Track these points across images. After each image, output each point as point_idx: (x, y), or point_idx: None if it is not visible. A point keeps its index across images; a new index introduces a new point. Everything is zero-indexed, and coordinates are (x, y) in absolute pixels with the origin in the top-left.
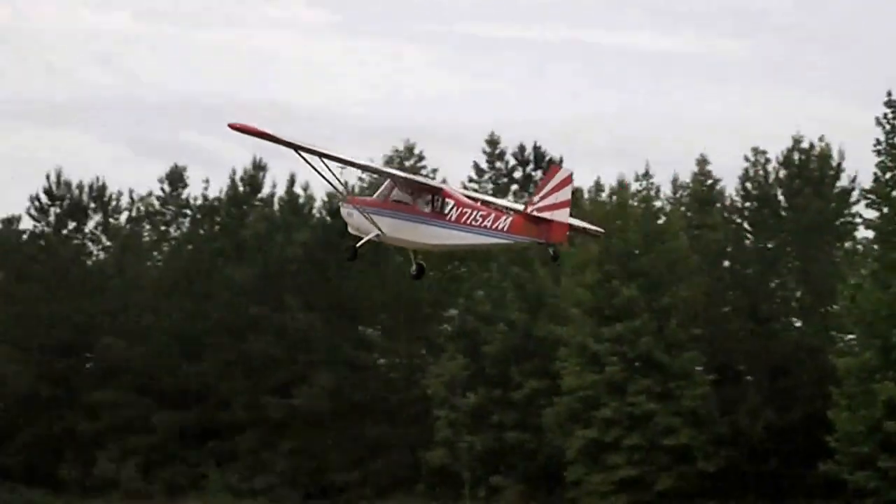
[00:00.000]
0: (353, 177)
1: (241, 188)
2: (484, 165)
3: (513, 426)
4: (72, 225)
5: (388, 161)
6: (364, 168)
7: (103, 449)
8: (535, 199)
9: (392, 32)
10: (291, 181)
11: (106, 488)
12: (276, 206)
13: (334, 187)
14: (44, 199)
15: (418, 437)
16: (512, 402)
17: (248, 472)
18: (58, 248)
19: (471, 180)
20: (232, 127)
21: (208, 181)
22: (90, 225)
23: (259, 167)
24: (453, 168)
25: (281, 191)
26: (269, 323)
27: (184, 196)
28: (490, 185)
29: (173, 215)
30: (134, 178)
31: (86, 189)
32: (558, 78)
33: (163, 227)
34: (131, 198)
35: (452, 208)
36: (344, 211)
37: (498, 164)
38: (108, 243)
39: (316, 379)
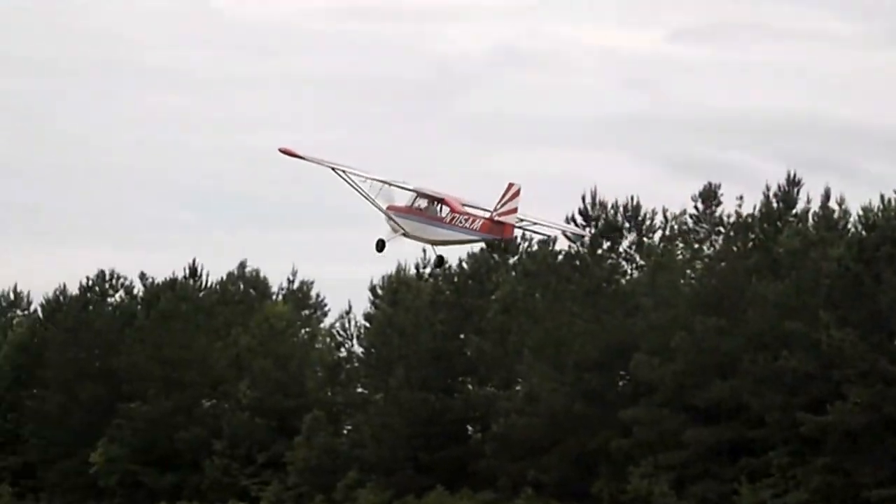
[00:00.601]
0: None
1: (774, 204)
2: None
3: None
4: (606, 244)
5: None
6: (385, 182)
7: (636, 465)
8: (497, 207)
9: None
10: (826, 196)
11: None
12: (810, 222)
13: (366, 199)
14: (579, 219)
15: None
16: None
17: (780, 488)
18: (592, 268)
19: None
20: (281, 151)
21: (742, 198)
22: (624, 244)
23: (793, 182)
24: None
25: (815, 206)
26: (802, 339)
27: (717, 213)
28: None
29: (707, 233)
30: (668, 196)
31: (620, 209)
32: None
33: (696, 245)
34: (665, 216)
35: (449, 213)
36: (384, 216)
37: None
38: (642, 262)
39: (850, 394)
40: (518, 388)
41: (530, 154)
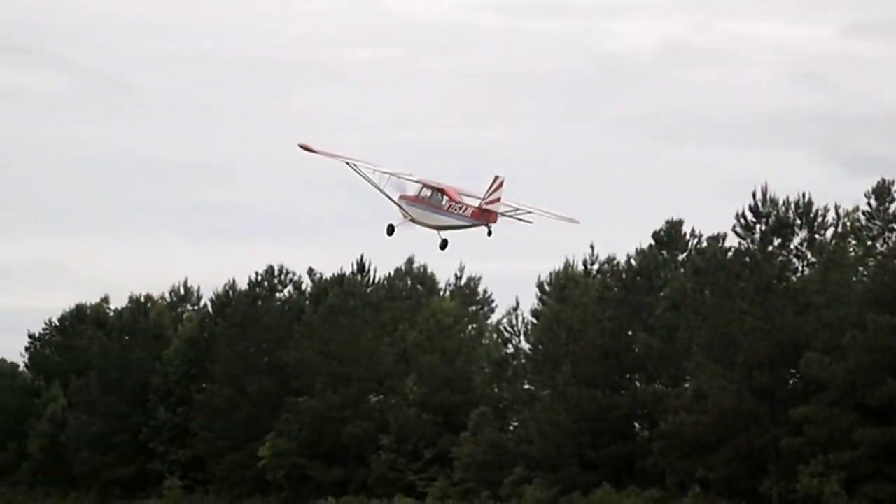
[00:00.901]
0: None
1: None
2: None
3: None
4: (777, 241)
5: None
6: (392, 174)
7: (806, 464)
8: (485, 196)
9: None
10: None
11: None
12: None
13: (377, 188)
14: (749, 216)
15: None
16: None
17: None
18: (762, 265)
19: None
20: (300, 146)
21: None
22: (795, 241)
23: None
24: None
25: None
26: None
27: (891, 210)
28: None
29: (880, 230)
30: (840, 192)
31: (792, 205)
32: None
33: (869, 242)
34: (837, 213)
35: (447, 202)
36: (395, 204)
37: None
38: (813, 259)
39: None
40: (686, 385)
41: (699, 151)
